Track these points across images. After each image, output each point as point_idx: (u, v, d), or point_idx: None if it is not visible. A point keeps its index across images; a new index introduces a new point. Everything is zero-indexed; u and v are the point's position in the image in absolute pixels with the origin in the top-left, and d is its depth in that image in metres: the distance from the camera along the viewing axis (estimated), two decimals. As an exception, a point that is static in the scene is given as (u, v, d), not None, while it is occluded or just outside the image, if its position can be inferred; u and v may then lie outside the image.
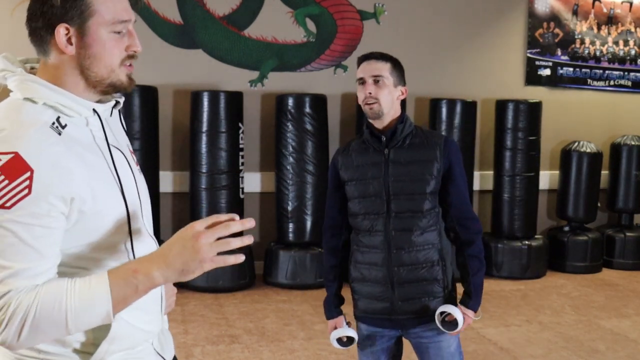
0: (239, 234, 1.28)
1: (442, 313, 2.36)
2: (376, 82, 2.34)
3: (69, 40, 1.30)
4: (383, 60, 2.37)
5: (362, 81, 2.37)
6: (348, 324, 2.53)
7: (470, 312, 2.40)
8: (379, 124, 2.38)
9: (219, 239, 1.26)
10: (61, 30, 1.29)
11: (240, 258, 1.29)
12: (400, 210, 2.35)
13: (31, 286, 1.21)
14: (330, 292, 2.53)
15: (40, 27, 1.31)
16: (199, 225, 1.25)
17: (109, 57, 1.33)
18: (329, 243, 2.54)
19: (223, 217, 1.28)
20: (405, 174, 2.35)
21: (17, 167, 1.20)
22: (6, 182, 1.19)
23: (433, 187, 2.35)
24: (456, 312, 2.35)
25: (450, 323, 2.36)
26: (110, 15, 1.32)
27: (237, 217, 1.29)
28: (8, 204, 1.19)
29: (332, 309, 2.53)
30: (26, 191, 1.20)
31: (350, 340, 2.49)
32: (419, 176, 2.34)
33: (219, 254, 1.27)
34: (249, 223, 1.29)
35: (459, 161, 2.40)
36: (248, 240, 1.30)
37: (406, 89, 2.43)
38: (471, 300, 2.40)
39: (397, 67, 2.40)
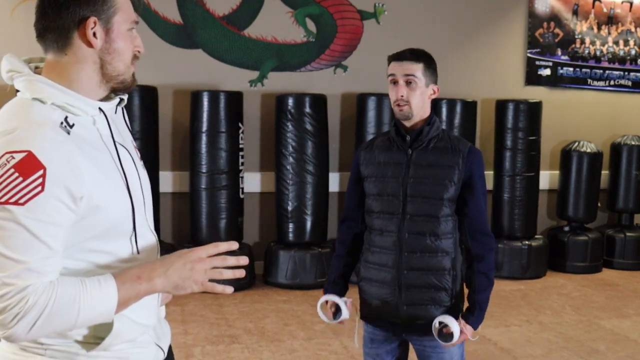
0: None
1: (440, 323, 2.31)
2: (408, 83, 2.28)
3: (94, 34, 1.36)
4: (416, 60, 2.31)
5: (393, 80, 2.32)
6: (349, 306, 2.45)
7: (469, 329, 2.34)
8: (406, 123, 2.34)
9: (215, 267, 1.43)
10: (90, 23, 1.35)
11: (228, 289, 1.48)
12: (415, 213, 2.31)
13: (47, 282, 1.25)
14: (330, 277, 2.51)
15: (64, 22, 1.35)
16: (201, 252, 1.40)
17: (127, 52, 1.41)
18: (341, 234, 2.53)
19: (223, 246, 1.44)
20: (425, 176, 2.31)
21: (30, 164, 1.23)
22: (20, 179, 1.22)
23: (451, 193, 2.31)
24: (454, 324, 2.28)
25: (446, 335, 2.30)
26: (128, 14, 1.41)
27: (235, 245, 1.45)
28: (22, 201, 1.22)
29: (328, 287, 2.48)
30: (39, 188, 1.22)
31: (338, 310, 2.41)
32: (439, 181, 2.30)
33: (212, 280, 1.43)
34: (242, 260, 1.47)
35: (480, 172, 2.34)
36: (239, 273, 1.46)
37: (438, 87, 2.37)
38: (473, 317, 2.35)
39: (430, 65, 2.33)
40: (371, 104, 5.75)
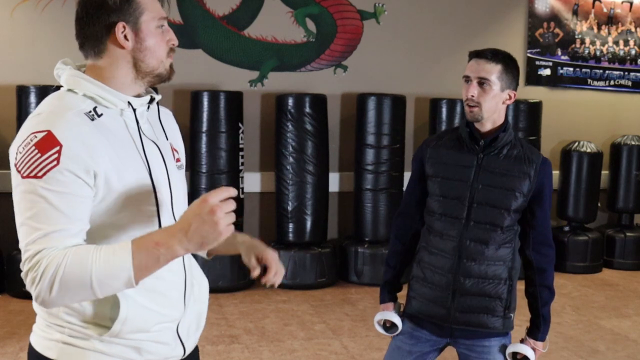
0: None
1: (513, 353, 2.34)
2: (481, 84, 2.21)
3: (125, 37, 1.48)
4: (494, 61, 2.21)
5: (467, 79, 2.24)
6: (401, 312, 2.47)
7: (539, 345, 2.34)
8: (479, 127, 2.27)
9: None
10: (120, 27, 1.46)
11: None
12: (480, 220, 2.24)
13: (62, 247, 1.34)
14: (387, 278, 2.48)
15: (96, 30, 1.48)
16: (213, 199, 1.32)
17: (159, 49, 1.53)
18: (398, 230, 2.46)
19: (232, 190, 1.36)
20: (495, 184, 2.23)
21: (48, 142, 1.36)
22: (38, 155, 1.35)
23: (519, 204, 2.24)
24: (527, 350, 2.32)
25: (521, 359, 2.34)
26: (155, 12, 1.51)
27: (235, 191, 1.38)
28: (40, 174, 1.34)
29: (385, 294, 2.47)
30: (55, 162, 1.35)
31: (393, 326, 2.45)
32: (509, 190, 2.23)
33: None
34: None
35: (550, 185, 2.29)
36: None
37: (515, 93, 2.27)
38: (539, 332, 2.35)
39: (510, 68, 2.23)
40: (371, 104, 5.75)
